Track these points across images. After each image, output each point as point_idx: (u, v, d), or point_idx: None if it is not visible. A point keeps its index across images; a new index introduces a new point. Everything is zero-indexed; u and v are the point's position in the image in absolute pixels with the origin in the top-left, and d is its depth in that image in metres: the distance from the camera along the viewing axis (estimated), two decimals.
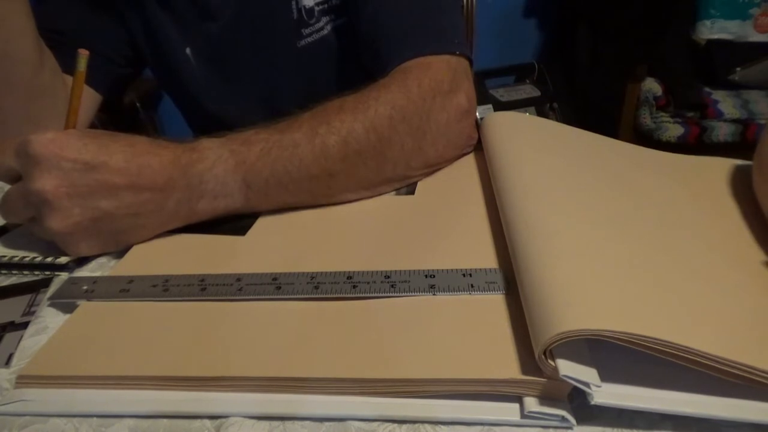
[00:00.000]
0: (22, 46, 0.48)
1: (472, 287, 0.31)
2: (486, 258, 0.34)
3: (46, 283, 0.38)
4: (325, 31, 0.59)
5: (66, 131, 0.37)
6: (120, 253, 0.39)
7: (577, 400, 0.25)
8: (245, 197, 0.40)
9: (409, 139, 0.42)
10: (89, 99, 0.58)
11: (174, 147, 0.38)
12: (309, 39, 0.59)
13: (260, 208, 0.41)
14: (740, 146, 1.46)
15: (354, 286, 0.32)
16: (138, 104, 1.51)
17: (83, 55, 0.41)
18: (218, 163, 0.38)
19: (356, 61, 0.56)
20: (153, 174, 0.37)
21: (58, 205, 0.35)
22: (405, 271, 0.33)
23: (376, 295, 0.31)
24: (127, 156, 0.36)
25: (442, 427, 0.25)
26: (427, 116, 0.43)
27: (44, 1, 0.59)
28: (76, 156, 0.35)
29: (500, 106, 1.57)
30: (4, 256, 0.39)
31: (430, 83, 0.44)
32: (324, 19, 0.58)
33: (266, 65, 0.62)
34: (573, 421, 0.24)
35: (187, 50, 0.62)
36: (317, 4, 0.57)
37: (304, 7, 0.57)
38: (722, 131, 1.46)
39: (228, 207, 0.40)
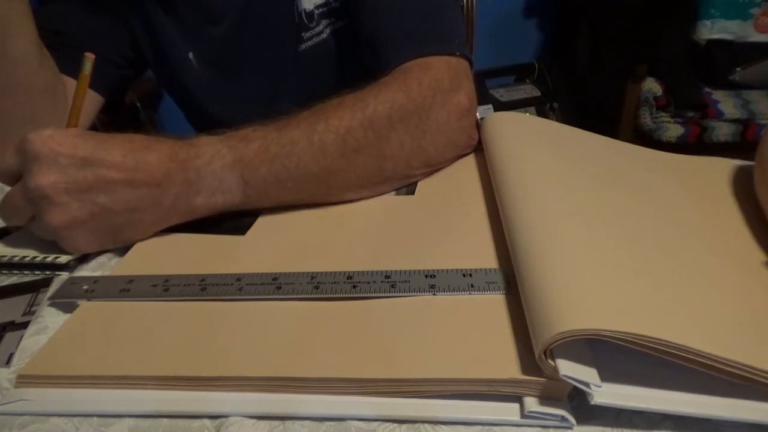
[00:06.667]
0: (22, 46, 0.48)
1: (472, 287, 0.31)
2: (486, 258, 0.34)
3: (46, 282, 0.38)
4: (325, 35, 0.59)
5: (64, 129, 0.38)
6: (120, 253, 0.39)
7: (576, 400, 0.25)
8: (243, 194, 0.40)
9: (408, 138, 0.42)
10: (90, 101, 0.58)
11: (172, 143, 0.38)
12: (309, 43, 0.59)
13: (259, 205, 0.41)
14: (740, 146, 1.46)
15: (354, 286, 0.32)
16: (138, 104, 1.51)
17: (89, 58, 0.41)
18: (216, 158, 0.38)
19: (356, 65, 0.56)
20: (150, 169, 0.37)
21: (57, 200, 0.35)
22: (405, 271, 0.33)
23: (376, 295, 0.31)
24: (125, 151, 0.36)
25: (442, 427, 0.25)
26: (427, 115, 0.43)
27: (45, 1, 0.59)
28: (73, 152, 0.35)
29: (500, 106, 1.57)
30: (4, 256, 0.39)
31: (430, 82, 0.44)
32: (323, 23, 0.58)
33: (268, 69, 0.62)
34: (573, 420, 0.24)
35: (190, 54, 0.62)
36: (317, 7, 0.57)
37: (305, 10, 0.57)
38: (722, 131, 1.46)
39: (226, 203, 0.40)
